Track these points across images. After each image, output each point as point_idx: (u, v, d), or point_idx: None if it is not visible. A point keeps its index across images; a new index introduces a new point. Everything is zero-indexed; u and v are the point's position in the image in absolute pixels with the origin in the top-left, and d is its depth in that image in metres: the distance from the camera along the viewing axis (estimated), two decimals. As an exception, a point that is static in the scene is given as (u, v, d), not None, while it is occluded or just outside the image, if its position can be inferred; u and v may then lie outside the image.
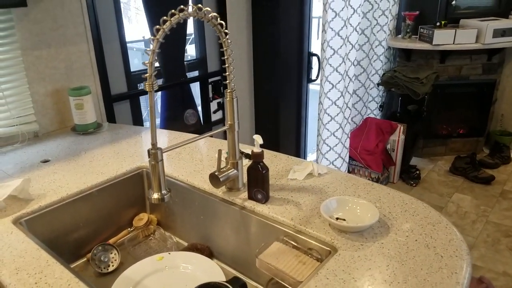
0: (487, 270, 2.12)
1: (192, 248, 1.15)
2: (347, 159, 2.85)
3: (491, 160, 3.26)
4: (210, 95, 2.39)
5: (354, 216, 0.94)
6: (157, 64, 2.06)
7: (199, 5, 0.83)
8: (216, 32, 0.90)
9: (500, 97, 3.48)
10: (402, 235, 0.87)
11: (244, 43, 2.52)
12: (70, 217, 1.12)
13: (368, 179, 2.97)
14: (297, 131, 3.03)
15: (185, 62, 2.20)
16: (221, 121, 2.51)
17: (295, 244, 0.93)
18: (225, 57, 0.93)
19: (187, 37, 2.30)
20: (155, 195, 0.87)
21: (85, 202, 1.15)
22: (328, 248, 0.87)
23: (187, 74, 2.25)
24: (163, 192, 0.88)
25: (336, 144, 2.72)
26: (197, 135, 0.97)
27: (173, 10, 0.80)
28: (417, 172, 3.06)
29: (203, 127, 2.41)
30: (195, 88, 2.40)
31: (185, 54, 2.29)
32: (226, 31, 0.90)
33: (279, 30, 2.48)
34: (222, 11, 2.28)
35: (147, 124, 2.73)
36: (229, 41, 0.92)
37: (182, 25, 2.10)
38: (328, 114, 2.59)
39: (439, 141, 3.43)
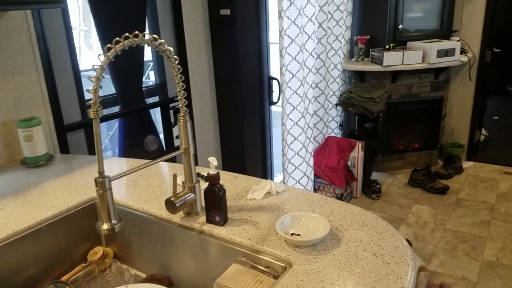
0: (447, 276, 2.21)
1: (151, 279, 1.12)
2: (312, 177, 2.91)
3: (445, 171, 3.44)
4: (172, 120, 2.40)
5: (307, 230, 0.97)
6: (113, 91, 2.06)
7: (145, 32, 0.87)
8: (166, 58, 0.93)
9: (449, 112, 3.71)
10: (352, 246, 0.91)
11: (205, 68, 2.57)
12: (18, 255, 1.06)
13: (333, 196, 3.05)
14: (263, 152, 3.08)
15: (143, 88, 2.20)
16: (185, 147, 2.51)
17: (253, 264, 0.95)
18: (175, 81, 0.96)
19: (149, 64, 2.31)
20: (105, 226, 0.85)
21: (34, 238, 1.09)
22: (284, 264, 0.89)
23: (146, 100, 2.25)
24: (113, 222, 0.86)
25: (301, 163, 2.78)
26: (149, 161, 0.98)
27: (117, 38, 0.83)
28: (378, 186, 3.18)
29: (165, 153, 2.39)
30: (157, 114, 2.40)
31: (146, 79, 2.30)
32: (175, 56, 0.94)
33: (238, 55, 2.56)
34: (180, 38, 2.33)
35: (106, 153, 2.68)
36: (179, 66, 0.95)
37: (139, 51, 2.12)
38: (292, 135, 2.66)
39: (396, 156, 3.59)
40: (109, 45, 0.86)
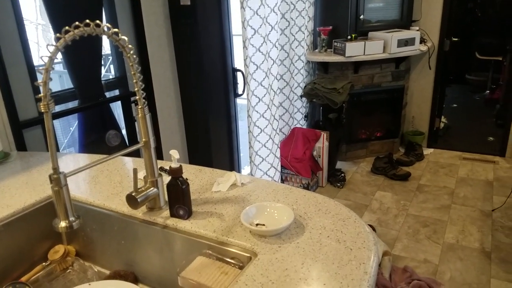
0: (410, 260, 2.30)
1: (115, 275, 1.10)
2: (279, 168, 2.93)
3: (407, 158, 3.56)
4: (134, 114, 2.33)
5: (272, 220, 0.97)
6: (71, 86, 1.97)
7: (97, 21, 0.82)
8: (120, 48, 0.90)
9: (410, 101, 3.84)
10: (315, 233, 0.92)
11: (167, 60, 2.51)
12: (-27, 257, 1.02)
13: (300, 186, 3.08)
14: (229, 145, 3.06)
15: (102, 82, 2.12)
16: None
17: (218, 256, 0.94)
18: (132, 72, 0.93)
19: (110, 57, 2.23)
20: (62, 224, 0.83)
21: (-11, 239, 1.05)
22: (249, 255, 0.89)
23: (106, 94, 2.17)
24: (71, 219, 0.83)
25: (268, 155, 2.79)
26: (106, 156, 0.94)
27: (67, 27, 0.79)
28: (342, 174, 3.24)
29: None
30: (118, 108, 2.32)
31: (107, 73, 2.22)
32: (130, 46, 0.90)
33: (200, 47, 2.51)
34: (140, 30, 2.26)
35: (68, 150, 2.58)
36: (134, 56, 0.91)
37: (97, 43, 2.04)
38: (258, 127, 2.66)
39: (359, 145, 3.68)
40: (58, 34, 0.81)
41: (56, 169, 0.81)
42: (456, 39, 3.72)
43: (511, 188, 2.99)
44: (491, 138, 3.96)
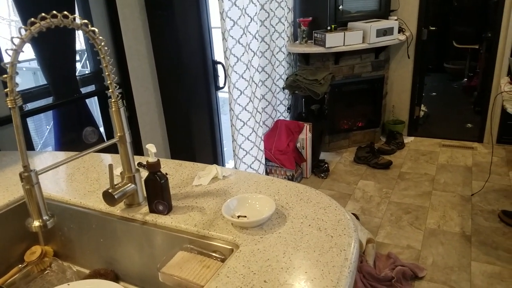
0: (393, 246, 2.33)
1: (95, 274, 1.08)
2: (263, 161, 2.93)
3: (388, 147, 3.61)
4: (111, 109, 2.28)
5: (254, 211, 0.96)
6: (44, 82, 1.91)
7: (65, 12, 0.79)
8: (90, 40, 0.86)
9: (390, 90, 3.88)
10: (297, 222, 0.91)
11: (144, 53, 2.46)
12: None
13: (284, 177, 3.09)
14: (212, 140, 3.03)
15: (78, 77, 2.06)
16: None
17: (200, 250, 0.93)
18: (104, 65, 0.90)
19: (85, 52, 2.16)
20: (36, 223, 0.80)
21: (-40, 242, 1.01)
22: (231, 247, 0.88)
23: (82, 89, 2.12)
24: (44, 218, 0.81)
25: (252, 148, 2.78)
26: (78, 152, 0.91)
27: (32, 19, 0.75)
28: (326, 165, 3.26)
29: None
30: (95, 105, 2.27)
31: (83, 68, 2.15)
32: (101, 37, 0.87)
33: (178, 39, 2.47)
34: (115, 23, 2.20)
35: (46, 149, 2.51)
36: (106, 48, 0.88)
37: (70, 38, 1.97)
38: (240, 120, 2.64)
39: (342, 135, 3.70)
40: (24, 26, 0.78)
41: (26, 166, 0.78)
42: (434, 28, 3.76)
43: (489, 173, 3.07)
44: (469, 124, 4.04)
